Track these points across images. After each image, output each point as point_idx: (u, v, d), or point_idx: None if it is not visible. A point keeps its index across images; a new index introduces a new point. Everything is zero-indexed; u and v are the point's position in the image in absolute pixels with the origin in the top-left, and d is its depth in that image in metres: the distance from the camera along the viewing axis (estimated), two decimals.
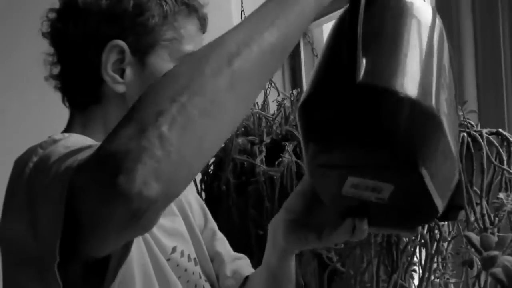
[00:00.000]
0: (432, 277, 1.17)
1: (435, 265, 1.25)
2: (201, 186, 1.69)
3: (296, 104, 1.73)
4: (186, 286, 1.04)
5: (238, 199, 1.62)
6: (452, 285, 1.32)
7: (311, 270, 1.51)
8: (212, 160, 1.66)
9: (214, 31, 0.93)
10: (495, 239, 0.78)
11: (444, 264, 1.31)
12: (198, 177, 1.67)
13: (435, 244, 1.09)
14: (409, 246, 1.12)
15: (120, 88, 0.98)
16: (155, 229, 1.03)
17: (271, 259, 1.03)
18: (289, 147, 1.55)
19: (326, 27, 2.90)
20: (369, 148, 0.74)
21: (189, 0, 1.03)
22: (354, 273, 1.18)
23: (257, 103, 1.75)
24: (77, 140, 0.86)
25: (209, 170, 1.69)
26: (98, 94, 1.00)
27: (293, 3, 0.75)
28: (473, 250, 0.80)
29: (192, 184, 1.24)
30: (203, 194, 1.69)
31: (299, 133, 1.00)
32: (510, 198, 0.99)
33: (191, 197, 1.24)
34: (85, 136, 0.98)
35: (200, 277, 1.07)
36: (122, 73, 0.98)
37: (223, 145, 1.69)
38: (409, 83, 0.72)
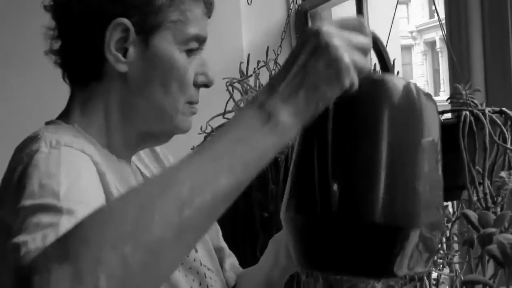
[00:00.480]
0: (435, 258, 1.16)
1: (439, 246, 1.25)
2: None
3: None
4: (189, 272, 1.03)
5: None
6: (456, 265, 1.31)
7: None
8: None
9: (222, 17, 0.94)
10: (493, 216, 0.78)
11: (449, 245, 1.30)
12: None
13: None
14: None
15: (122, 68, 0.98)
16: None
17: (274, 273, 1.06)
18: None
19: (335, 10, 2.88)
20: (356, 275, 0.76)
21: None
22: None
23: (262, 85, 1.75)
24: (62, 162, 0.84)
25: None
26: (99, 71, 0.99)
27: (255, 144, 0.70)
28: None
29: None
30: None
31: None
32: None
33: None
34: (85, 116, 1.00)
35: (201, 264, 1.07)
36: (124, 52, 0.98)
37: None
38: (389, 211, 0.70)
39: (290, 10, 2.73)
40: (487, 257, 0.75)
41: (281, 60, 2.18)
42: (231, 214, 1.61)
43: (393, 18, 1.70)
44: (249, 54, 1.93)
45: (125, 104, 1.00)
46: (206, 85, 1.04)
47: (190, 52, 1.00)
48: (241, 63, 1.85)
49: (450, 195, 1.13)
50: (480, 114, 1.03)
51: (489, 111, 1.06)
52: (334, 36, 0.71)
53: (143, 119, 1.01)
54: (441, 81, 18.19)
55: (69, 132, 0.96)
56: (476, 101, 1.18)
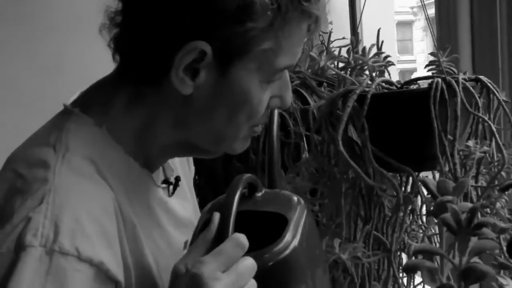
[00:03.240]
0: (408, 229, 1.14)
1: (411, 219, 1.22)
2: None
3: None
4: None
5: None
6: (435, 237, 1.29)
7: None
8: None
9: None
10: (452, 184, 0.75)
11: (428, 219, 1.28)
12: None
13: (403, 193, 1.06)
14: (383, 197, 1.09)
15: (187, 90, 0.84)
16: (168, 221, 0.97)
17: None
18: None
19: None
20: None
21: (308, 4, 0.84)
22: (328, 222, 1.15)
23: None
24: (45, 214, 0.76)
25: None
26: (160, 79, 0.85)
27: None
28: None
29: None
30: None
31: None
32: (478, 146, 0.96)
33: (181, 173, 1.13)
34: (125, 114, 0.88)
35: None
36: (194, 73, 0.83)
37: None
38: None
39: None
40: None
41: None
42: (211, 184, 1.59)
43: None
44: None
45: (178, 120, 0.88)
46: (280, 109, 0.94)
47: (272, 81, 0.87)
48: None
49: (426, 165, 1.10)
50: (453, 81, 1.00)
51: (463, 79, 1.02)
52: None
53: (196, 138, 0.91)
54: None
55: (89, 144, 0.86)
56: (454, 69, 1.14)
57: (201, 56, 0.81)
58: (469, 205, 0.72)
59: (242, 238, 0.77)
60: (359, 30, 2.50)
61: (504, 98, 1.08)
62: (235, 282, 0.74)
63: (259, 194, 0.88)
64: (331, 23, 2.22)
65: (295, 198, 0.88)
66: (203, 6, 0.79)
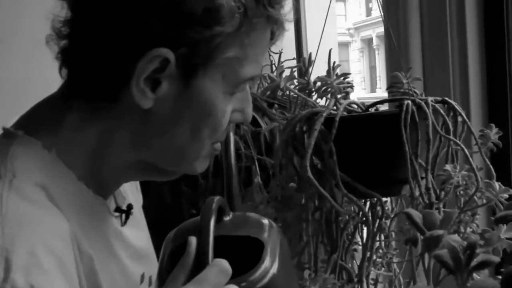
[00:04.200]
0: (374, 257, 1.09)
1: (377, 244, 1.18)
2: None
3: None
4: None
5: None
6: (395, 264, 1.25)
7: None
8: None
9: None
10: (439, 216, 0.70)
11: (387, 243, 1.24)
12: None
13: (377, 221, 1.01)
14: (350, 224, 1.04)
15: (147, 104, 0.77)
16: (125, 253, 0.90)
17: None
18: None
19: None
20: None
21: (274, 9, 0.79)
22: (292, 253, 1.09)
23: None
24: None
25: None
26: (116, 94, 0.78)
27: None
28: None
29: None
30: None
31: None
32: (457, 170, 0.92)
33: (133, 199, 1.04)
34: (76, 134, 0.80)
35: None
36: (155, 85, 0.77)
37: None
38: None
39: None
40: (428, 258, 0.67)
41: None
42: (159, 212, 1.52)
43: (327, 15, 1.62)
44: None
45: (135, 138, 0.81)
46: (241, 124, 0.88)
47: (235, 92, 0.82)
48: None
49: (389, 191, 1.06)
50: (423, 104, 0.96)
51: (431, 101, 0.99)
52: None
53: (155, 158, 0.84)
54: (378, 78, 18.42)
55: (38, 170, 0.77)
56: (417, 91, 1.11)
57: (163, 65, 0.75)
58: (457, 238, 0.67)
59: (225, 264, 0.71)
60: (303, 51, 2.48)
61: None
62: None
63: (227, 218, 0.83)
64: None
65: (266, 221, 0.84)
66: (167, 10, 0.73)
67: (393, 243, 1.26)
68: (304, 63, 1.39)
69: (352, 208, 1.10)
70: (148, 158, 0.83)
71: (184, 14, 0.73)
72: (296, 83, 1.28)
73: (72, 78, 0.81)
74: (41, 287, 0.67)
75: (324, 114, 0.96)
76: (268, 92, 1.60)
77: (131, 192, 1.01)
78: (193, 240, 0.74)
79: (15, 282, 0.65)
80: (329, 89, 1.03)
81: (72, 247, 0.76)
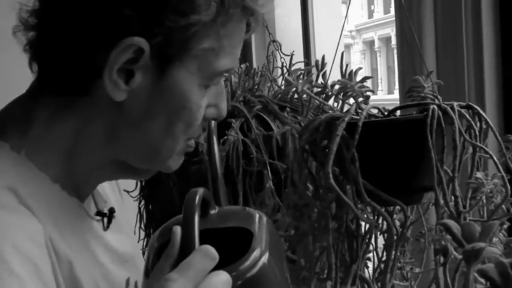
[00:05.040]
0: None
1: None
2: None
3: (244, 78, 1.60)
4: None
5: (179, 180, 1.48)
6: (408, 273, 1.21)
7: None
8: None
9: None
10: (478, 228, 0.66)
11: (403, 252, 1.20)
12: None
13: (401, 231, 0.97)
14: (371, 233, 1.00)
15: (120, 96, 0.75)
16: (107, 257, 0.87)
17: None
18: (236, 124, 1.43)
19: (278, 4, 2.79)
20: None
21: (252, 1, 0.78)
22: (307, 263, 1.05)
23: None
24: None
25: None
26: (87, 86, 0.75)
27: None
28: (448, 237, 0.68)
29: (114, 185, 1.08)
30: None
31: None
32: (489, 178, 0.88)
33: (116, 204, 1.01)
34: (47, 132, 0.77)
35: None
36: (128, 76, 0.74)
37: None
38: None
39: None
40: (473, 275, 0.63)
41: None
42: (168, 215, 1.48)
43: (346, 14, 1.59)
44: None
45: (108, 134, 0.79)
46: (215, 119, 0.84)
47: (210, 85, 0.80)
48: None
49: (410, 199, 1.02)
50: (449, 109, 0.92)
51: (457, 105, 0.95)
52: None
53: (129, 154, 0.82)
54: (379, 80, 18.39)
55: (6, 173, 0.74)
56: (438, 96, 1.07)
57: (137, 55, 0.73)
58: (497, 251, 0.63)
59: (211, 249, 0.69)
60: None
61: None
62: None
63: (213, 211, 0.83)
64: (274, 41, 2.11)
65: (255, 212, 0.83)
66: None
67: (408, 253, 1.22)
68: (317, 66, 1.36)
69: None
70: (122, 156, 0.81)
71: (159, 1, 0.71)
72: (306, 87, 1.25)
73: (41, 71, 0.78)
74: None
75: (346, 119, 0.92)
76: (279, 95, 1.57)
77: (113, 196, 0.98)
78: (177, 230, 0.72)
79: None
80: (349, 93, 0.99)
81: (48, 251, 0.73)
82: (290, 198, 0.99)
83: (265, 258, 0.75)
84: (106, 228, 0.90)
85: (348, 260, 0.98)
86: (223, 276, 0.69)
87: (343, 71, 1.20)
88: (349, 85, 0.97)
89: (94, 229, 0.87)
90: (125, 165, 0.83)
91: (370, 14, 19.65)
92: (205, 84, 0.78)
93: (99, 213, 0.89)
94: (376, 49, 19.49)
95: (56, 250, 0.75)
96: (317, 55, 2.52)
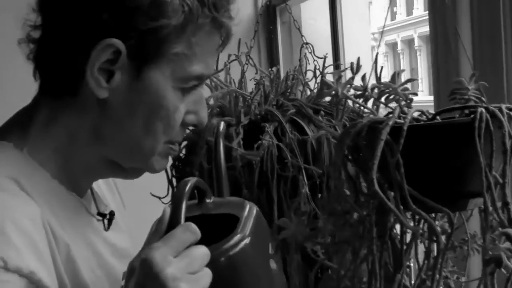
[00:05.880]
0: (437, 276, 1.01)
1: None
2: (171, 172, 1.53)
3: (276, 81, 1.58)
4: None
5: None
6: (452, 281, 1.17)
7: (295, 265, 1.37)
8: (184, 143, 1.51)
9: None
10: None
11: (446, 259, 1.16)
12: (169, 162, 1.52)
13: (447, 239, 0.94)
14: (416, 241, 0.97)
15: (102, 93, 0.84)
16: (106, 250, 0.95)
17: None
18: (269, 128, 1.42)
19: (304, 6, 2.77)
20: None
21: (219, 13, 0.87)
22: (346, 272, 1.02)
23: (233, 80, 1.59)
24: None
25: (181, 155, 1.53)
26: (76, 86, 0.85)
27: None
28: (503, 246, 0.65)
29: (112, 185, 1.15)
30: (174, 181, 1.53)
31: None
32: None
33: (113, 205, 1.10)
34: (45, 133, 0.87)
35: None
36: (109, 76, 0.84)
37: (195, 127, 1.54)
38: None
39: (261, 7, 2.60)
40: None
41: (254, 55, 2.05)
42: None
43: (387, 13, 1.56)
44: None
45: (96, 132, 0.88)
46: (195, 126, 0.93)
47: (186, 90, 0.88)
48: None
49: (455, 205, 0.98)
50: (497, 111, 0.88)
51: (505, 108, 0.91)
52: (180, 280, 0.72)
53: (114, 152, 0.90)
54: None
55: (9, 166, 0.83)
56: (483, 98, 1.04)
57: (115, 56, 0.83)
58: None
59: (192, 225, 0.77)
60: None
61: None
62: (186, 266, 0.74)
63: (209, 200, 0.92)
64: (307, 43, 2.08)
65: (246, 202, 0.93)
66: (117, 3, 0.81)
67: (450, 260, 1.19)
68: (352, 68, 1.32)
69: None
70: (109, 154, 0.90)
71: (132, 8, 0.81)
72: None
73: (41, 77, 0.89)
74: (11, 259, 0.73)
75: (390, 123, 0.89)
76: (312, 99, 1.54)
77: (112, 196, 1.08)
78: (167, 210, 0.81)
79: None
80: (391, 96, 0.96)
81: (46, 231, 0.81)
82: (330, 205, 0.96)
83: (247, 241, 0.83)
84: (107, 229, 0.98)
85: (391, 269, 0.95)
86: (203, 249, 0.77)
87: (377, 74, 1.18)
88: (391, 87, 0.94)
89: (94, 224, 0.96)
90: (114, 164, 0.91)
91: (393, 16, 19.53)
92: (179, 86, 0.87)
93: (100, 214, 0.98)
94: (399, 51, 19.37)
95: (54, 232, 0.82)
96: (346, 57, 2.49)
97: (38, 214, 0.80)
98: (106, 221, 0.99)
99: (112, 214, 1.01)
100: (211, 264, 0.77)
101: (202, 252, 0.77)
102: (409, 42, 18.82)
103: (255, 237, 0.85)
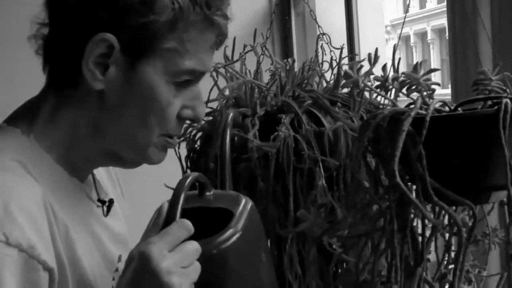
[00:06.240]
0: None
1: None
2: (186, 163, 1.52)
3: (292, 72, 1.56)
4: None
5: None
6: (473, 276, 1.15)
7: (311, 258, 1.35)
8: (199, 135, 1.49)
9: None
10: None
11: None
12: (184, 154, 1.51)
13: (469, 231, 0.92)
14: (437, 235, 0.95)
15: (98, 85, 0.89)
16: (103, 233, 1.01)
17: None
18: (286, 119, 1.39)
19: None
20: None
21: (211, 11, 0.90)
22: (365, 265, 1.00)
23: (249, 71, 1.57)
24: None
25: (196, 146, 1.51)
26: (77, 79, 0.90)
27: None
28: None
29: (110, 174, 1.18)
30: (189, 172, 1.52)
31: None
32: None
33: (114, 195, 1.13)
34: (50, 122, 0.92)
35: None
36: (105, 69, 0.89)
37: (210, 118, 1.53)
38: None
39: None
40: None
41: (268, 46, 2.03)
42: None
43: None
44: (234, 37, 1.75)
45: (95, 122, 0.92)
46: (192, 120, 0.96)
47: (180, 84, 0.91)
48: (225, 47, 1.66)
49: (477, 198, 0.97)
50: None
51: None
52: (174, 274, 0.79)
53: (112, 142, 0.94)
54: None
55: (16, 149, 0.89)
56: (507, 89, 1.02)
57: (109, 50, 0.87)
58: None
59: (187, 222, 0.83)
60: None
61: None
62: (180, 261, 0.80)
63: (209, 193, 0.96)
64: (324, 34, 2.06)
65: (243, 198, 0.96)
66: (110, 1, 0.86)
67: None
68: (370, 59, 1.31)
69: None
70: (108, 145, 0.94)
71: (123, 5, 0.85)
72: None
73: (47, 69, 0.93)
74: (13, 234, 0.78)
75: (413, 114, 0.87)
76: (329, 90, 1.52)
77: (112, 187, 1.13)
78: (165, 205, 0.86)
79: None
80: (414, 87, 0.94)
81: (46, 211, 0.85)
82: (351, 197, 0.94)
83: (238, 235, 0.87)
84: (106, 215, 1.02)
85: (412, 263, 0.93)
86: (194, 245, 0.82)
87: (395, 65, 1.16)
88: (414, 78, 0.92)
89: (94, 210, 1.00)
90: (113, 154, 0.95)
91: (406, 9, 19.42)
92: (171, 81, 0.89)
93: (100, 200, 1.02)
94: (412, 44, 19.27)
95: (54, 213, 0.87)
96: (361, 48, 2.47)
97: (40, 194, 0.85)
98: (105, 208, 1.04)
99: (111, 201, 1.05)
100: (203, 257, 0.83)
101: (194, 248, 0.82)
102: (422, 35, 18.71)
103: (247, 231, 0.90)
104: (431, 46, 18.42)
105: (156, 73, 0.89)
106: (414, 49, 19.13)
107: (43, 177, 0.88)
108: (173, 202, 0.84)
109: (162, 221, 0.84)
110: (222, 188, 1.05)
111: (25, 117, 0.93)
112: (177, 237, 0.81)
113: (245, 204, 0.94)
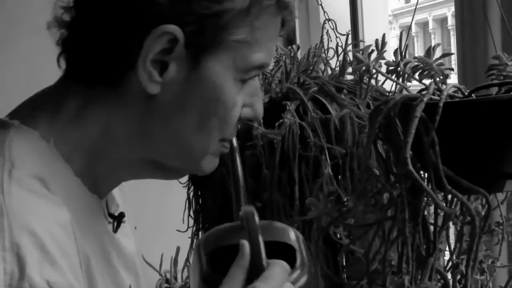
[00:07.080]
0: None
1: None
2: None
3: (296, 59, 1.53)
4: None
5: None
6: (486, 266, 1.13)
7: (319, 248, 1.33)
8: None
9: None
10: None
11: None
12: None
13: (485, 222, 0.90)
14: (449, 224, 0.93)
15: (154, 89, 0.74)
16: (118, 261, 0.88)
17: None
18: (291, 106, 1.37)
19: None
20: None
21: None
22: (375, 254, 0.98)
23: None
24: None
25: None
26: (118, 78, 0.75)
27: None
28: None
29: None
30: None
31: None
32: None
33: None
34: (75, 124, 0.78)
35: None
36: (162, 68, 0.74)
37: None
38: None
39: None
40: None
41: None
42: (219, 205, 1.41)
43: None
44: None
45: (139, 128, 0.78)
46: (250, 120, 0.83)
47: (245, 81, 0.79)
48: None
49: (492, 187, 0.94)
50: None
51: None
52: None
53: (158, 150, 0.80)
54: None
55: (36, 161, 0.74)
56: None
57: (171, 45, 0.73)
58: None
59: (285, 263, 0.76)
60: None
61: None
62: None
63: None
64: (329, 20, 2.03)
65: (290, 228, 0.90)
66: None
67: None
68: (377, 45, 1.28)
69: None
70: (151, 154, 0.80)
71: None
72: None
73: (72, 62, 0.78)
74: (55, 281, 0.65)
75: (425, 99, 0.84)
76: (334, 77, 1.50)
77: (119, 193, 0.96)
78: (246, 243, 0.76)
79: (32, 280, 0.63)
80: (426, 72, 0.91)
81: (75, 238, 0.74)
82: (361, 185, 0.92)
83: (310, 269, 0.84)
84: (115, 231, 0.90)
85: (423, 253, 0.91)
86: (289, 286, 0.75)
87: (402, 51, 1.13)
88: (427, 62, 0.89)
89: (108, 229, 0.88)
90: (155, 164, 0.82)
91: None
92: (240, 78, 0.77)
93: (111, 215, 0.89)
94: (413, 34, 19.21)
95: (77, 240, 0.74)
96: (365, 36, 2.44)
97: (67, 219, 0.73)
98: (115, 223, 0.91)
99: (122, 215, 0.92)
100: None
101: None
102: (424, 25, 18.67)
103: (311, 264, 0.86)
104: (432, 36, 18.36)
105: (224, 71, 0.76)
106: (415, 39, 19.09)
107: (64, 196, 0.75)
108: (255, 241, 0.77)
109: (247, 261, 0.76)
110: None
111: (43, 116, 0.78)
112: (282, 281, 0.75)
113: (298, 236, 0.88)
